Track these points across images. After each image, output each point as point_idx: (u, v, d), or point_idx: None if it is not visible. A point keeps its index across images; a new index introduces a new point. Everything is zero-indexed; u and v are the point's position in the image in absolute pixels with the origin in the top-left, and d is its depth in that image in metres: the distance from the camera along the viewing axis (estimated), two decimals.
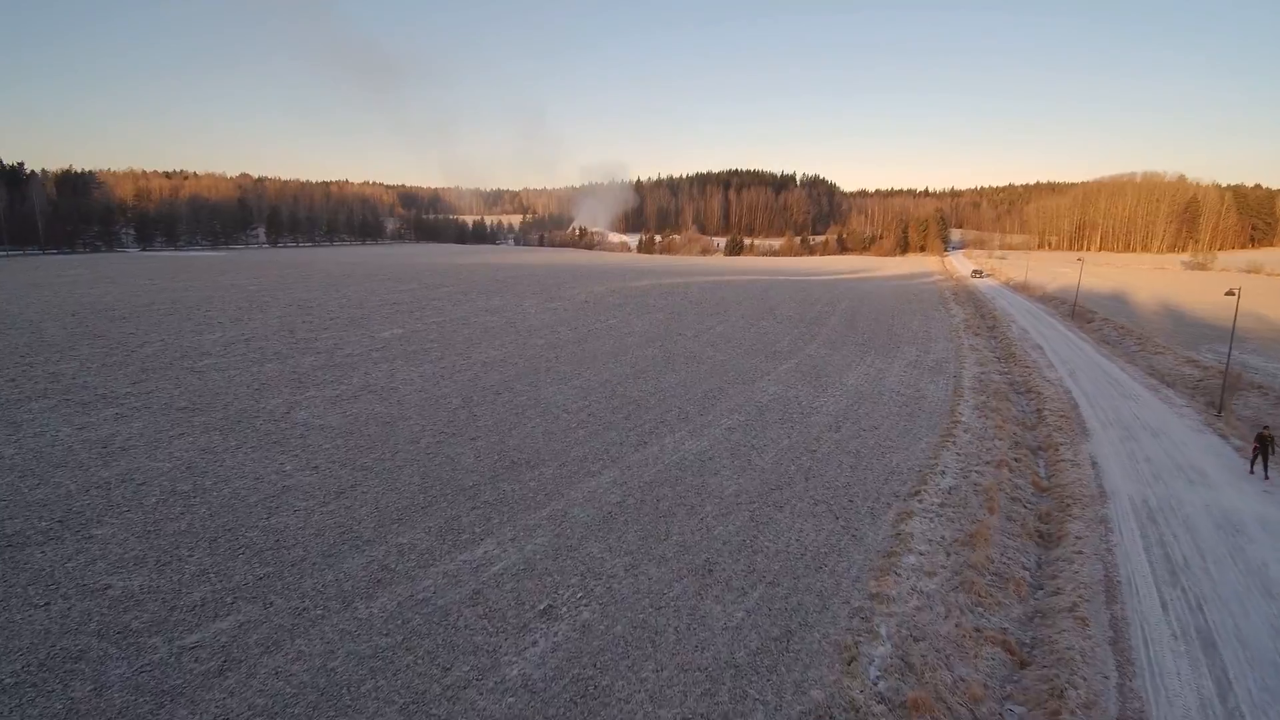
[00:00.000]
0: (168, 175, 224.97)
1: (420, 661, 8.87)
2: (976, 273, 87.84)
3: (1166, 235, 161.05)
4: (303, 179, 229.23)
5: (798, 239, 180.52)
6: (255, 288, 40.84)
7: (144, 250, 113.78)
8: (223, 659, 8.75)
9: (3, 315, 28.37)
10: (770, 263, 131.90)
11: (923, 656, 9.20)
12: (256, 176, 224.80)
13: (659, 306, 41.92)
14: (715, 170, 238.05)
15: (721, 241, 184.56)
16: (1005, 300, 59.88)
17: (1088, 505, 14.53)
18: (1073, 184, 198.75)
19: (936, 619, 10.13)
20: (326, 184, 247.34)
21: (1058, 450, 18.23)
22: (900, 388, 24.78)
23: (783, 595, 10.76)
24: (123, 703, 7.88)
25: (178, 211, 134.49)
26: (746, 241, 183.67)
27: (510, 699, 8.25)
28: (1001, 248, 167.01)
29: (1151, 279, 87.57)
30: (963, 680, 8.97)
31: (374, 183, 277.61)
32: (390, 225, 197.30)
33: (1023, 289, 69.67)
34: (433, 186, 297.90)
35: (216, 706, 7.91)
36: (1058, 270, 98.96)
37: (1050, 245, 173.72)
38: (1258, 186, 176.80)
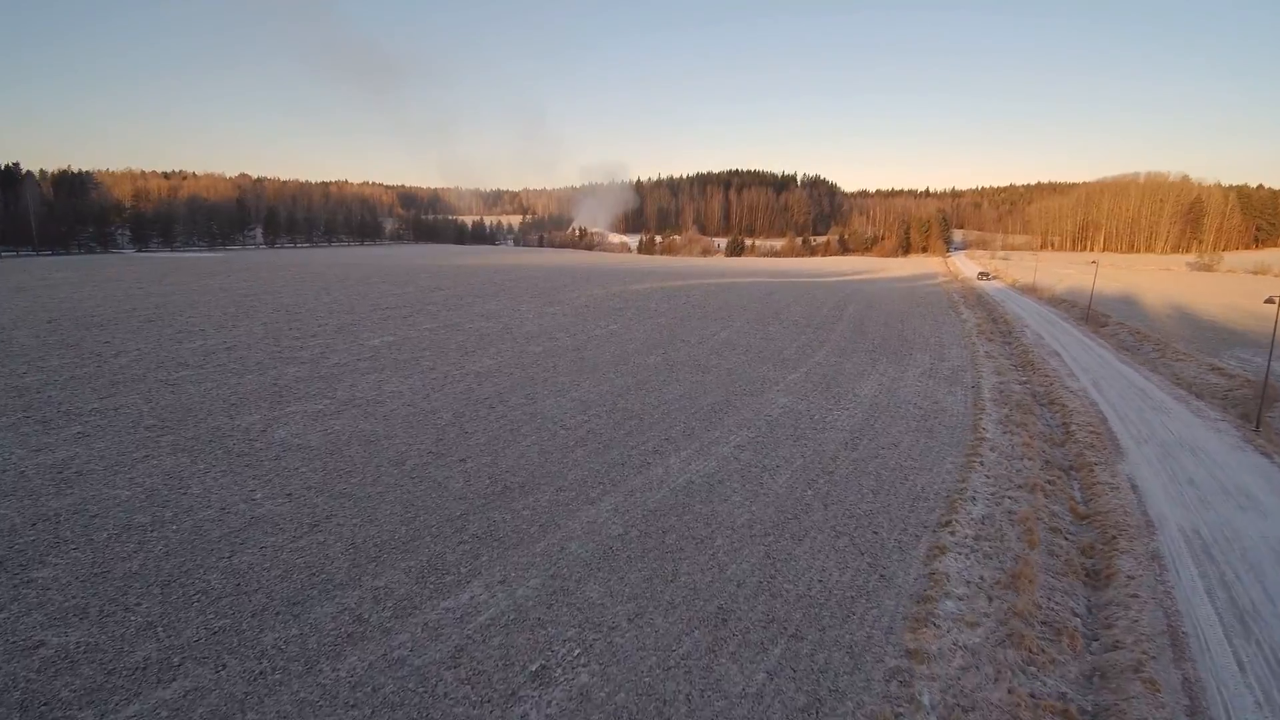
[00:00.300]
0: (166, 175, 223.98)
1: None
2: (983, 275, 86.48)
3: (1170, 236, 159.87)
4: (302, 179, 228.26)
5: (799, 240, 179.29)
6: (244, 291, 39.56)
7: (140, 251, 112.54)
8: None
9: None
10: (772, 264, 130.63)
11: None
12: (256, 177, 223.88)
13: (661, 311, 40.65)
14: (716, 170, 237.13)
15: (722, 242, 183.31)
16: (1015, 303, 58.61)
17: (1135, 537, 13.25)
18: (1074, 184, 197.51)
19: (985, 682, 8.85)
20: (326, 184, 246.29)
21: (1092, 471, 16.94)
22: (917, 399, 23.49)
23: (808, 652, 9.48)
24: None
25: (175, 212, 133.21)
26: (747, 242, 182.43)
27: None
28: (1004, 248, 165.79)
29: (1159, 280, 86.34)
30: None
31: (373, 183, 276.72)
32: (389, 226, 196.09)
33: (1031, 291, 68.39)
34: (432, 187, 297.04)
35: None
36: (1063, 271, 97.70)
37: (1053, 246, 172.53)
38: (1261, 187, 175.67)
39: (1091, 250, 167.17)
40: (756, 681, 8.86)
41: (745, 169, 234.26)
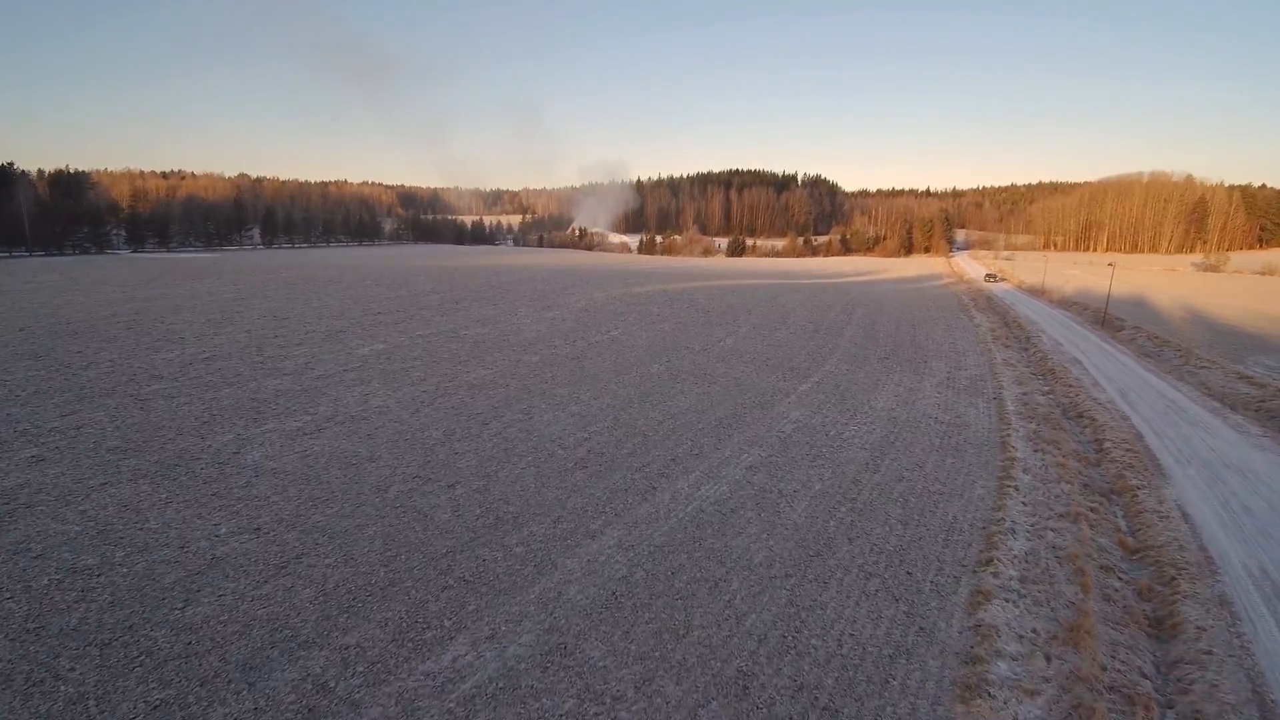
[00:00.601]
0: (165, 175, 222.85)
1: None
2: (990, 277, 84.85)
3: (1174, 236, 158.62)
4: (302, 179, 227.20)
5: (800, 240, 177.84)
6: (231, 295, 38.22)
7: (135, 252, 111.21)
8: None
9: None
10: (774, 264, 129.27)
11: None
12: (255, 177, 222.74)
13: (663, 315, 39.31)
14: (716, 170, 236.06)
15: (723, 242, 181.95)
16: (1025, 306, 57.24)
17: (1196, 578, 11.92)
18: (1076, 184, 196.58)
19: None
20: (325, 184, 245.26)
21: (1135, 496, 15.61)
22: (937, 412, 22.15)
23: None
24: None
25: (171, 212, 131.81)
26: (748, 242, 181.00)
27: None
28: (1007, 248, 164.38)
29: (1167, 281, 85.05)
30: None
31: (373, 183, 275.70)
32: (388, 226, 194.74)
33: (1040, 293, 67.05)
34: (432, 187, 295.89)
35: None
36: (1069, 272, 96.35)
37: (1056, 246, 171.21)
38: (1264, 186, 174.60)
39: (1095, 250, 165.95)
40: None
41: (746, 168, 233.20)
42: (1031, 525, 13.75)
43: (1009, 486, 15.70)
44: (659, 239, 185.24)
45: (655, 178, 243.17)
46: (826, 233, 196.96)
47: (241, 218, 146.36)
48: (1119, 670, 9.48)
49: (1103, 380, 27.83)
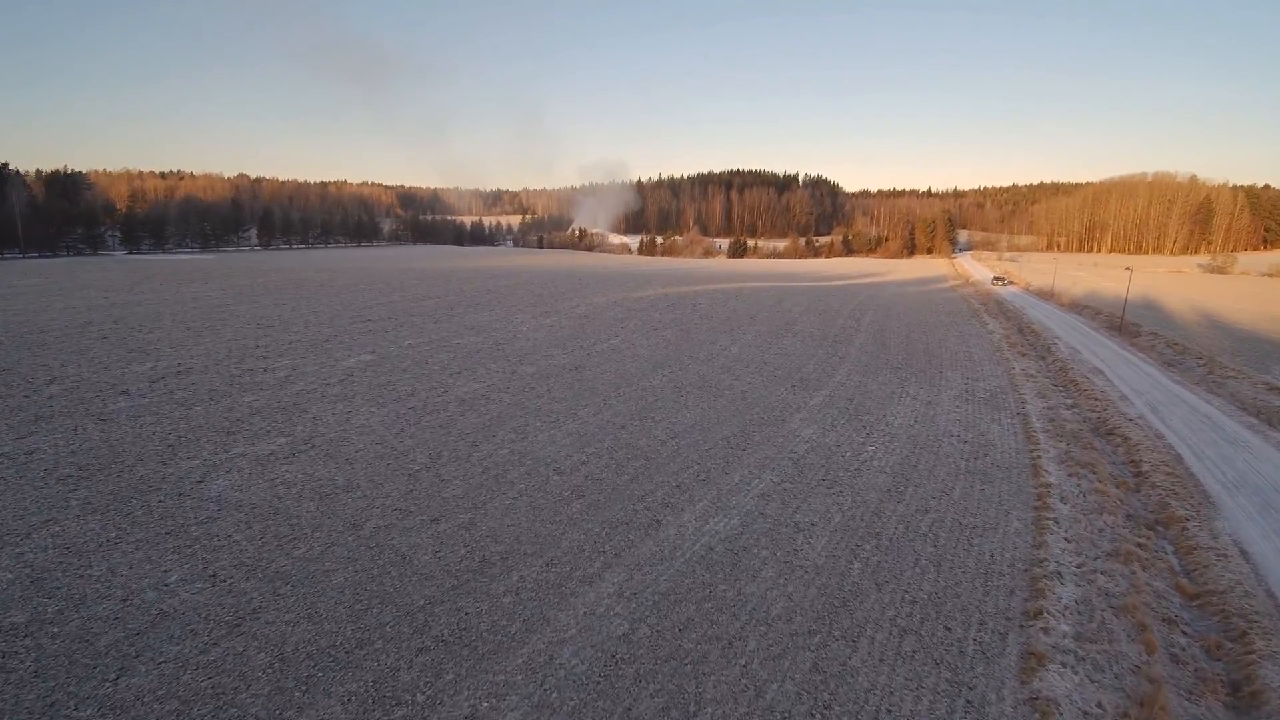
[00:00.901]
0: (163, 176, 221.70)
1: None
2: (999, 280, 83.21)
3: (1179, 237, 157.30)
4: (301, 179, 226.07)
5: (802, 241, 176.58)
6: (217, 301, 36.83)
7: (130, 253, 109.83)
8: None
9: None
10: (776, 266, 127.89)
11: None
12: (254, 177, 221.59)
13: (665, 322, 37.93)
14: (717, 170, 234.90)
15: (724, 243, 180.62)
16: (1037, 310, 55.86)
17: (1271, 632, 10.57)
18: (1078, 184, 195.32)
19: None
20: (324, 184, 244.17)
21: (1185, 529, 14.24)
22: (959, 430, 20.79)
23: None
24: None
25: (167, 213, 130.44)
26: (749, 243, 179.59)
27: None
28: (1010, 249, 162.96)
29: (1175, 283, 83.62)
30: None
31: (373, 183, 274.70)
32: (387, 226, 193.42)
33: (1049, 296, 65.65)
34: (432, 187, 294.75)
35: None
36: (1075, 274, 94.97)
37: (1059, 246, 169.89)
38: (1268, 187, 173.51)
39: (1098, 251, 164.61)
40: None
41: (746, 169, 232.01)
42: (1078, 567, 12.38)
43: (1047, 519, 14.33)
44: (659, 240, 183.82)
45: (655, 178, 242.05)
46: (828, 234, 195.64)
47: (239, 218, 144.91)
48: None
49: (1129, 392, 26.45)
